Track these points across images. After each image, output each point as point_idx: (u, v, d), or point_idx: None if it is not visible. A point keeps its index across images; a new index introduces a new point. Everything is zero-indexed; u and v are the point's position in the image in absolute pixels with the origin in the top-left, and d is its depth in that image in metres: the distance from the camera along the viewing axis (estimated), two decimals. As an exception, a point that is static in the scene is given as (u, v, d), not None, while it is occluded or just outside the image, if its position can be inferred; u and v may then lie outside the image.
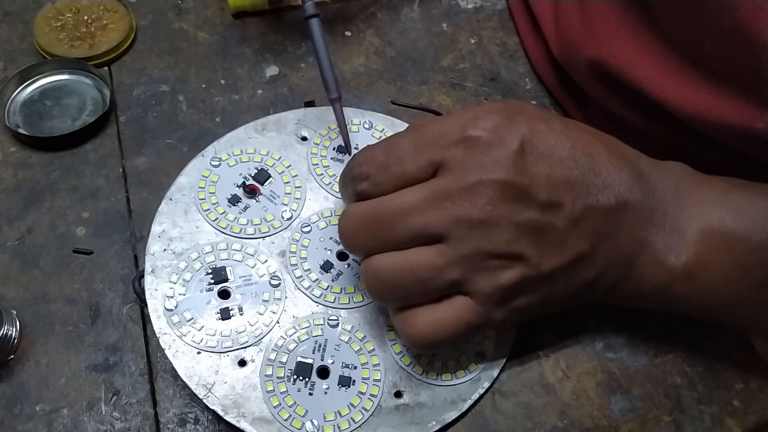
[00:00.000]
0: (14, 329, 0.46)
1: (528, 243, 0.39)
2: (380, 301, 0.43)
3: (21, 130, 0.55)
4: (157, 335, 0.44)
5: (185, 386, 0.43)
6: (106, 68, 0.60)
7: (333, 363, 0.45)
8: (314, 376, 0.44)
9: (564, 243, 0.40)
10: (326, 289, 0.47)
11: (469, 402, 0.45)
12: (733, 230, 0.42)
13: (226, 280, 0.46)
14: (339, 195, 0.51)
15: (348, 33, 0.64)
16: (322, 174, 0.52)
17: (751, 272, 0.42)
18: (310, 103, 0.57)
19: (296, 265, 0.48)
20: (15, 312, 0.47)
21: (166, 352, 0.44)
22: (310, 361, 0.44)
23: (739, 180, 0.45)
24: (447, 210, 0.39)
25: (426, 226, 0.39)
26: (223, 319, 0.45)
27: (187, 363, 0.44)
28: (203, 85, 0.59)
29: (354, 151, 0.53)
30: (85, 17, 0.61)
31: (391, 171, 0.40)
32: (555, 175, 0.40)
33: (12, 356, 0.46)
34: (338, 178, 0.46)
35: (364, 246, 0.41)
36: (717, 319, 0.46)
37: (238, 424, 0.42)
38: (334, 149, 0.53)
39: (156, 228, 0.48)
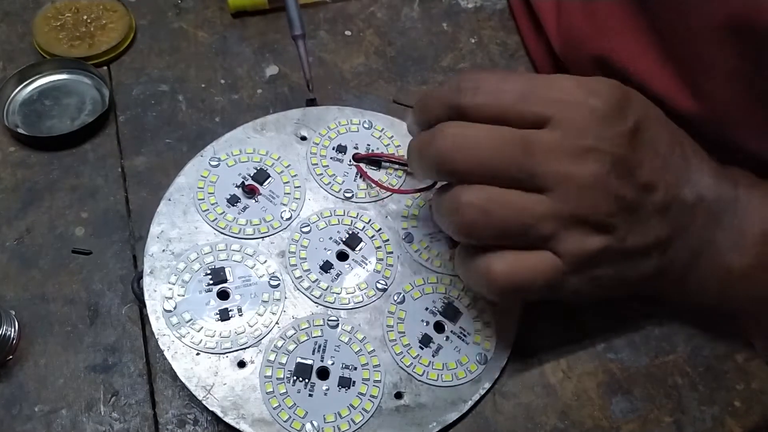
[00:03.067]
0: (13, 329, 0.46)
1: (620, 217, 0.40)
2: (467, 234, 0.40)
3: (20, 130, 0.55)
4: (156, 336, 0.44)
5: (184, 387, 0.43)
6: (105, 68, 0.60)
7: (333, 364, 0.45)
8: (314, 377, 0.44)
9: (648, 225, 0.41)
10: (326, 289, 0.47)
11: (470, 403, 0.45)
12: None
13: (225, 280, 0.46)
14: (338, 195, 0.51)
15: (348, 33, 0.63)
16: (322, 174, 0.51)
17: None
18: (312, 102, 0.56)
19: (296, 265, 0.48)
20: (14, 312, 0.47)
21: (165, 353, 0.44)
22: (309, 362, 0.44)
23: None
24: (561, 164, 0.38)
25: (536, 174, 0.38)
26: (222, 320, 0.45)
27: (186, 364, 0.44)
28: (203, 85, 0.59)
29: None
30: (85, 17, 0.61)
31: (502, 99, 0.39)
32: (656, 160, 0.41)
33: (11, 356, 0.46)
34: (420, 95, 0.45)
35: (465, 170, 0.39)
36: None
37: (237, 426, 0.42)
38: (333, 149, 0.53)
39: (155, 229, 0.48)
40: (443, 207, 0.40)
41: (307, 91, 0.58)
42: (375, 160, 0.52)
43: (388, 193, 0.51)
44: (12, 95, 0.57)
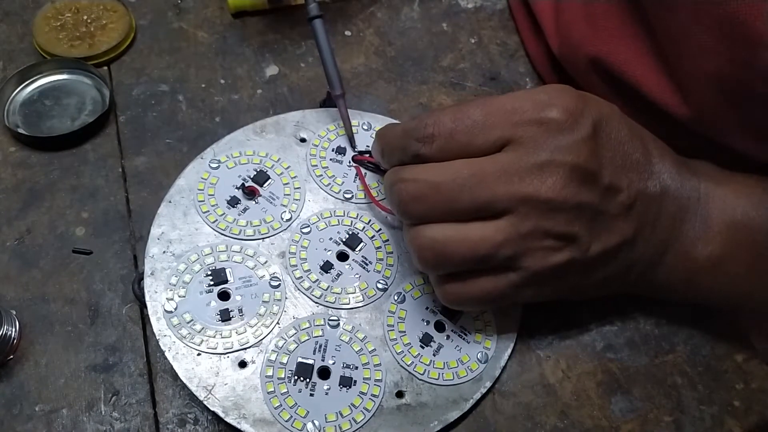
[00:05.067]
0: (14, 329, 0.46)
1: (583, 225, 0.40)
2: (429, 271, 0.43)
3: (20, 130, 0.55)
4: (157, 337, 0.44)
5: (185, 386, 0.43)
6: (105, 68, 0.60)
7: (334, 363, 0.45)
8: (315, 377, 0.44)
9: (613, 227, 0.41)
10: (326, 289, 0.47)
11: (471, 401, 0.45)
12: (755, 223, 0.44)
13: (226, 281, 0.46)
14: (338, 196, 0.51)
15: (348, 33, 0.63)
16: (321, 175, 0.52)
17: None
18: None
19: (296, 266, 0.48)
20: (14, 312, 0.47)
21: (167, 354, 0.44)
22: (310, 361, 0.44)
23: (765, 177, 0.46)
24: (515, 186, 0.39)
25: (492, 201, 0.39)
26: (223, 320, 0.45)
27: (188, 365, 0.44)
28: (203, 85, 0.59)
29: (357, 147, 0.54)
30: (85, 17, 0.61)
31: (458, 140, 0.40)
32: (616, 159, 0.41)
33: (11, 356, 0.46)
34: (381, 129, 0.46)
35: (422, 214, 0.41)
36: (739, 308, 0.48)
37: (239, 426, 0.42)
38: (333, 150, 0.53)
39: (155, 230, 0.48)
40: (408, 242, 0.42)
41: (307, 93, 0.58)
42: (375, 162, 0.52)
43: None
44: (12, 95, 0.57)
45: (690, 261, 0.44)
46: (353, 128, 0.54)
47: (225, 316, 0.45)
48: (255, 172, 0.51)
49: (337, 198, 0.51)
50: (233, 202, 0.50)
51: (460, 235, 0.40)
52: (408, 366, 0.45)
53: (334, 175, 0.52)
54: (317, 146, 0.53)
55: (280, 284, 0.47)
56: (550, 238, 0.40)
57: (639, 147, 0.42)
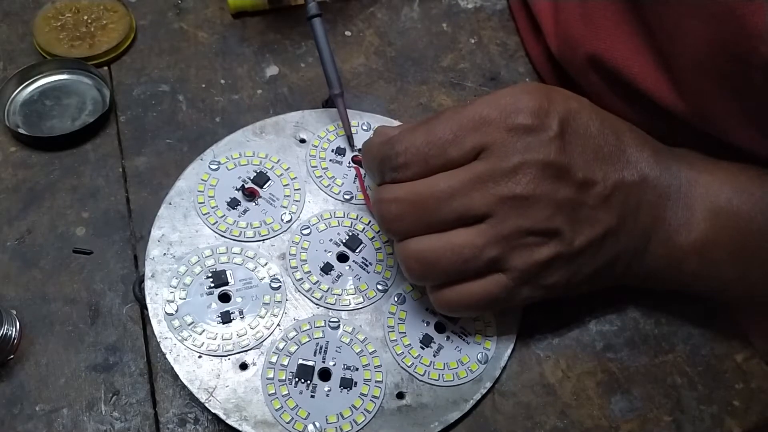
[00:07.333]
0: (14, 329, 0.46)
1: (563, 219, 0.41)
2: (420, 282, 0.44)
3: (21, 130, 0.55)
4: (158, 340, 0.44)
5: (185, 386, 0.44)
6: (105, 68, 0.60)
7: (334, 365, 0.45)
8: (316, 379, 0.44)
9: (594, 219, 0.42)
10: (327, 291, 0.47)
11: (472, 402, 0.45)
12: (739, 210, 0.44)
13: (227, 283, 0.46)
14: (338, 197, 0.51)
15: (348, 33, 0.63)
16: (321, 176, 0.52)
17: (755, 251, 0.44)
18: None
19: (296, 267, 0.48)
20: (15, 312, 0.47)
21: (168, 356, 0.44)
22: (311, 363, 0.45)
23: (750, 165, 0.46)
24: (490, 190, 0.40)
25: (470, 208, 0.40)
26: (223, 322, 0.45)
27: (189, 367, 0.44)
28: (203, 85, 0.59)
29: (356, 146, 0.54)
30: (85, 17, 0.61)
31: (432, 163, 0.41)
32: (587, 153, 0.42)
33: (12, 356, 0.46)
34: (364, 147, 0.47)
35: (407, 230, 0.42)
36: (726, 295, 0.48)
37: (240, 428, 0.42)
38: (332, 151, 0.53)
39: (155, 232, 0.48)
40: (397, 257, 0.44)
41: (307, 93, 0.58)
42: None
43: None
44: (13, 95, 0.57)
45: (674, 248, 0.44)
46: (353, 128, 0.54)
47: (226, 318, 0.45)
48: (255, 174, 0.51)
49: (336, 199, 0.51)
50: (233, 203, 0.50)
51: (443, 242, 0.41)
52: (408, 367, 0.45)
53: (333, 176, 0.52)
54: (317, 147, 0.53)
55: (280, 286, 0.47)
56: (532, 235, 0.40)
57: (611, 138, 0.43)
